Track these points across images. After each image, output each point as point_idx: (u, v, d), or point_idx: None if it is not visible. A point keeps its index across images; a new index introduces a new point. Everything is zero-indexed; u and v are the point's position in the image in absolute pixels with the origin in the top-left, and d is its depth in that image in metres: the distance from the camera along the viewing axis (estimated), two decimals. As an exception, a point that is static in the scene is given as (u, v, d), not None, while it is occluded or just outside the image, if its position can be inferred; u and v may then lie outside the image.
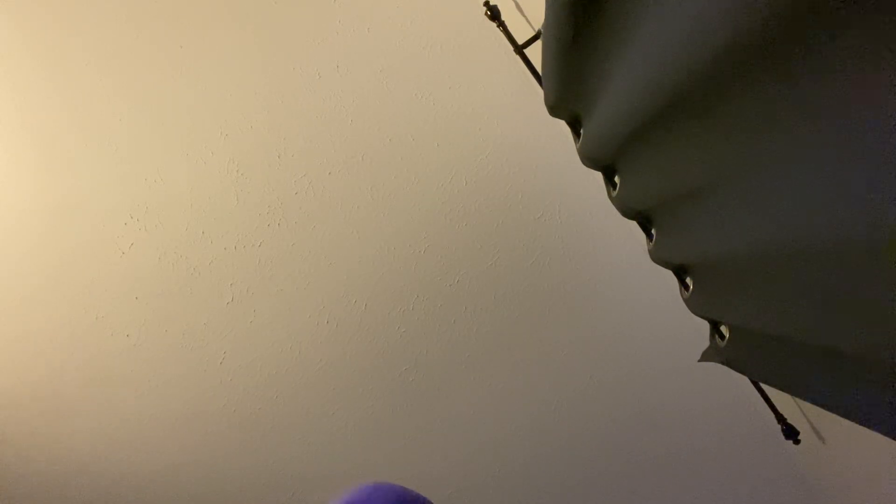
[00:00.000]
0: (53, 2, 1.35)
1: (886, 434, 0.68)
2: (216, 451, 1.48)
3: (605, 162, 1.11)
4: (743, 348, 1.03)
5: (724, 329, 1.13)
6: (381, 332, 1.47)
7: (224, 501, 1.49)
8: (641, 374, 1.50)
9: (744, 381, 1.34)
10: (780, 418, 1.32)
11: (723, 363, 1.09)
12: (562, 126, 1.24)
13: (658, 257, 1.13)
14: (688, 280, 1.12)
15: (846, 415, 0.76)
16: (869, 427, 0.71)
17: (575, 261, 1.48)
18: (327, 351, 1.46)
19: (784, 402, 1.32)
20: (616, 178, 1.12)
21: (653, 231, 1.13)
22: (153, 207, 1.40)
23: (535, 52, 1.19)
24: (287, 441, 1.48)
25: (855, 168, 0.49)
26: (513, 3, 1.32)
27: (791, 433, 1.31)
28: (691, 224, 0.90)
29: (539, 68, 1.16)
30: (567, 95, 1.08)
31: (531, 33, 1.23)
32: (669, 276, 1.17)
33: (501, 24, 1.26)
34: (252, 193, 1.42)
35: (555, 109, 1.18)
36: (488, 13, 1.25)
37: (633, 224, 1.18)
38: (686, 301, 1.14)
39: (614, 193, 1.14)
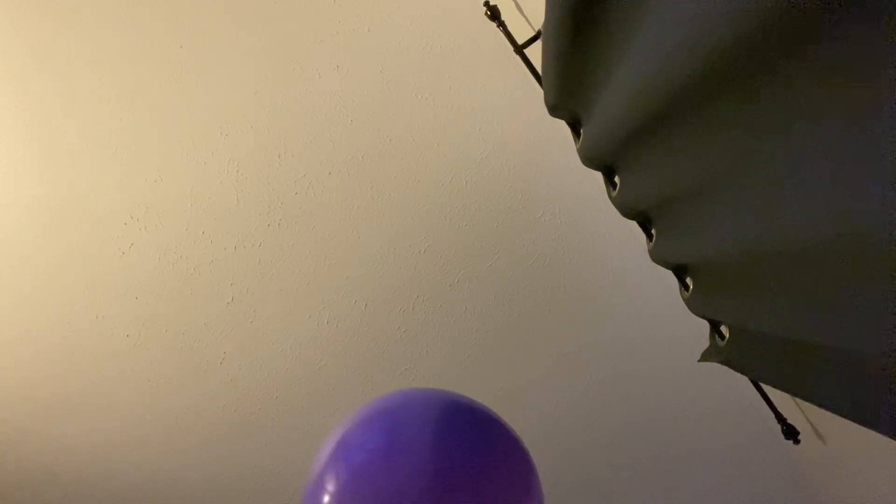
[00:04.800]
0: (53, 2, 1.35)
1: (886, 434, 0.68)
2: (216, 450, 1.47)
3: (605, 162, 1.11)
4: (743, 348, 1.03)
5: (723, 329, 1.13)
6: (381, 332, 1.47)
7: (224, 501, 1.49)
8: (641, 374, 1.50)
9: (744, 381, 1.34)
10: (780, 418, 1.32)
11: (723, 363, 1.09)
12: (562, 126, 1.24)
13: (658, 257, 1.13)
14: (688, 280, 1.12)
15: (846, 415, 0.76)
16: (869, 427, 0.71)
17: (575, 261, 1.48)
18: (327, 351, 1.46)
19: (784, 402, 1.32)
20: (616, 178, 1.12)
21: (653, 231, 1.14)
22: (153, 207, 1.40)
23: (535, 52, 1.19)
24: (287, 441, 1.48)
25: (853, 168, 0.49)
26: (513, 3, 1.32)
27: (791, 433, 1.31)
28: (691, 224, 0.90)
29: (539, 68, 1.16)
30: (567, 95, 1.08)
31: (531, 33, 1.23)
32: (669, 276, 1.17)
33: (501, 24, 1.26)
34: (252, 193, 1.41)
35: (555, 109, 1.18)
36: (488, 13, 1.25)
37: (633, 224, 1.18)
38: (686, 301, 1.14)
39: (614, 193, 1.14)
